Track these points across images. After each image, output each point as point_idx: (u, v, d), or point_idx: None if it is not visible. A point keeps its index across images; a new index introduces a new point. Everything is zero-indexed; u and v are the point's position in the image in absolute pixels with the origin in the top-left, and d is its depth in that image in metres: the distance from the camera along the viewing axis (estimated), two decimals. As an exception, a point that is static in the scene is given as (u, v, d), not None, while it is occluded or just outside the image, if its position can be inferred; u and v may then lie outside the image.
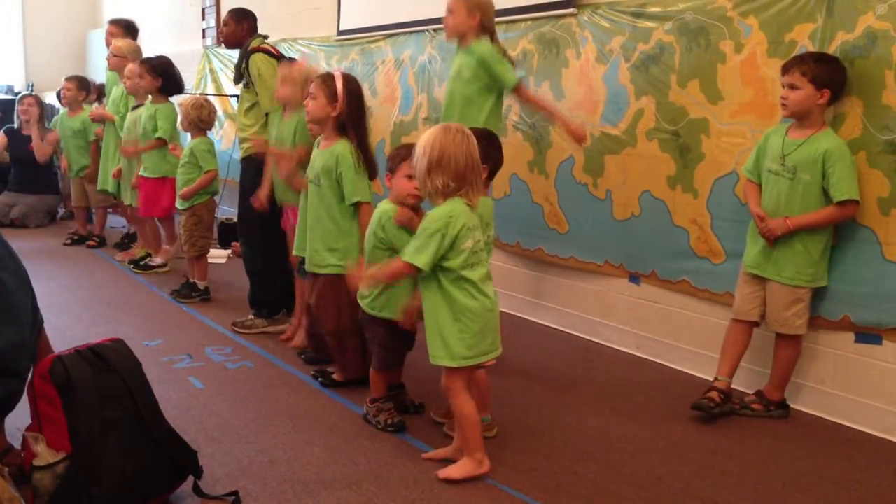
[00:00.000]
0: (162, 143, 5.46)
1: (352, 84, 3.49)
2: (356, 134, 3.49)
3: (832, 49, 3.23)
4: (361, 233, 3.48)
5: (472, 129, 2.82)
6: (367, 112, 3.64)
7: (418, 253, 2.66)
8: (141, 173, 5.57)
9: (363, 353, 3.49)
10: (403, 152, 3.10)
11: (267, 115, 4.41)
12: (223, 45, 4.76)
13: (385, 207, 3.11)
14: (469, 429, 2.78)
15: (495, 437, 3.09)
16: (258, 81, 4.40)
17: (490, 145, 3.18)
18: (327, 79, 3.47)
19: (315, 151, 3.60)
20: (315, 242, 3.59)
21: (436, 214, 2.68)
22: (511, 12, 4.67)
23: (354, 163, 3.45)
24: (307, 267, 3.66)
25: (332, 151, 3.47)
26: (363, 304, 3.19)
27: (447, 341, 2.71)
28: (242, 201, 4.60)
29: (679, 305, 3.97)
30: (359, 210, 3.51)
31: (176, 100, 5.55)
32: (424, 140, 2.70)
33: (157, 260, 5.54)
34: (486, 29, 3.80)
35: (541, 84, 4.55)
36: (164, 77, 5.40)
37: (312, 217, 3.59)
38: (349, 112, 3.45)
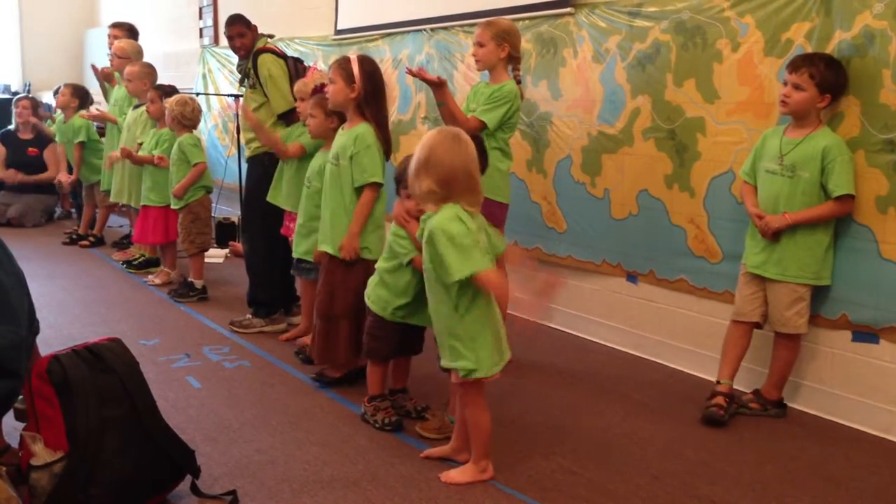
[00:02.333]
0: (156, 161, 5.38)
1: (367, 64, 3.47)
2: (373, 113, 3.47)
3: (829, 48, 3.23)
4: (357, 216, 3.47)
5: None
6: (386, 91, 3.60)
7: (469, 261, 2.53)
8: (143, 202, 5.50)
9: (355, 344, 3.48)
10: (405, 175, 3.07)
11: (279, 116, 4.39)
12: (241, 56, 4.70)
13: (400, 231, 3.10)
14: (480, 437, 2.77)
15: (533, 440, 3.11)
16: (269, 83, 4.36)
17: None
18: (343, 62, 3.46)
19: (338, 133, 3.60)
20: (325, 222, 3.58)
21: (444, 221, 2.58)
22: (509, 11, 4.66)
23: (373, 145, 3.43)
24: (318, 247, 3.66)
25: (352, 132, 3.47)
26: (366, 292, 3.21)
27: (459, 352, 2.68)
28: (247, 200, 4.61)
29: (676, 304, 3.97)
30: (366, 192, 3.46)
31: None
32: (421, 140, 2.67)
33: (156, 280, 5.51)
34: (514, 59, 3.77)
35: (538, 83, 4.55)
36: None
37: (326, 196, 3.58)
38: (366, 92, 3.44)
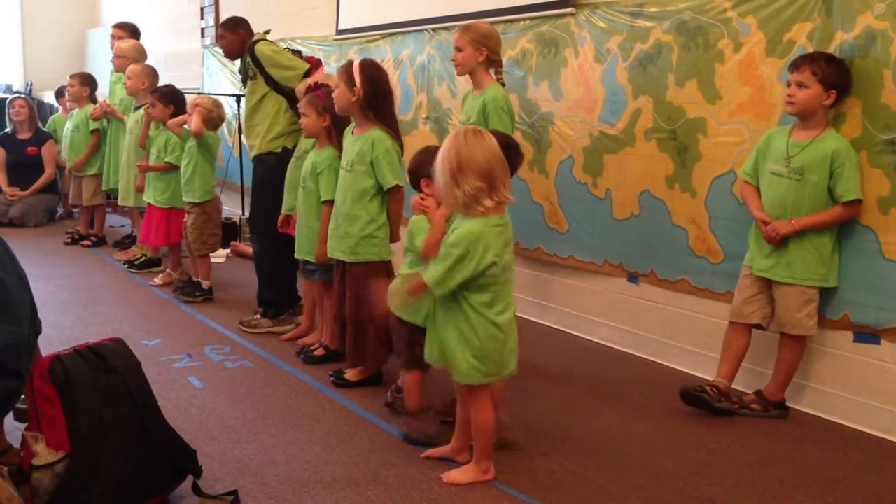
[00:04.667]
0: (170, 167, 5.35)
1: (369, 69, 3.48)
2: (378, 116, 3.48)
3: (831, 49, 3.23)
4: (394, 218, 3.51)
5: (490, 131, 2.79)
6: (391, 95, 3.60)
7: (445, 280, 2.55)
8: (146, 199, 5.50)
9: (383, 346, 3.51)
10: (422, 167, 2.96)
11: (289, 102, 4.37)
12: (226, 57, 4.71)
13: (420, 224, 2.97)
14: (482, 438, 2.77)
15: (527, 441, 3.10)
16: (278, 56, 4.33)
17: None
18: (346, 66, 3.49)
19: (349, 138, 3.60)
20: (337, 228, 3.58)
21: (465, 233, 2.56)
22: (510, 11, 4.67)
23: (391, 148, 3.44)
24: (329, 253, 3.66)
25: (368, 137, 3.47)
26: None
27: (454, 357, 2.67)
28: (253, 201, 4.60)
29: (677, 305, 3.97)
30: (392, 195, 3.49)
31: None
32: (440, 153, 2.61)
33: (157, 281, 5.52)
34: (493, 62, 3.76)
35: (539, 84, 4.55)
36: (176, 104, 5.36)
37: (339, 201, 3.58)
38: (367, 96, 3.45)
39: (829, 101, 3.15)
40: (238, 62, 4.71)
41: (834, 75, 3.13)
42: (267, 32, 4.61)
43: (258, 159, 4.51)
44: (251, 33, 4.64)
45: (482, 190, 2.55)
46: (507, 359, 2.73)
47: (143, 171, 5.62)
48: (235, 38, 4.61)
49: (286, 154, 4.37)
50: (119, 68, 6.30)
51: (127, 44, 6.25)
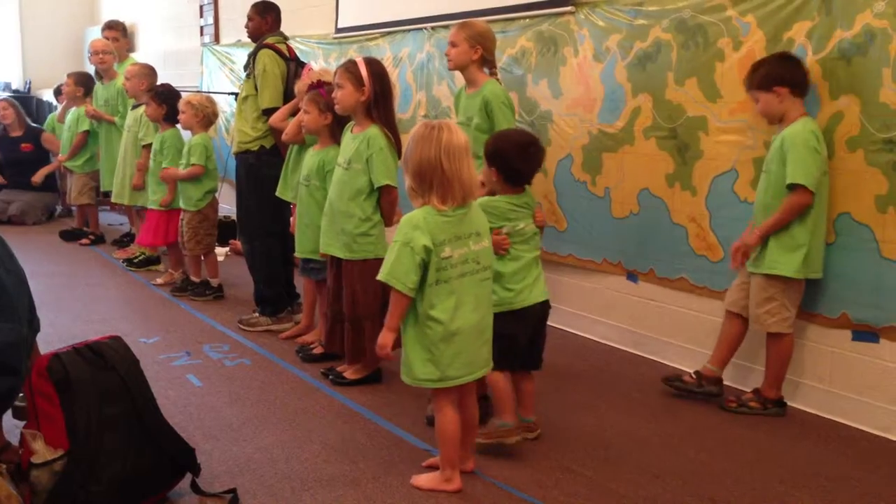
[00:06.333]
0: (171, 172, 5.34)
1: (375, 66, 3.48)
2: (382, 115, 3.48)
3: (830, 47, 3.23)
4: (386, 216, 3.51)
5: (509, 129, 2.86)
6: (393, 92, 3.60)
7: (393, 270, 2.51)
8: (149, 205, 5.49)
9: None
10: None
11: (264, 111, 4.36)
12: (249, 37, 4.69)
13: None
14: (443, 445, 2.71)
15: (535, 440, 3.09)
16: (262, 77, 4.34)
17: (504, 147, 2.94)
18: (350, 66, 3.46)
19: (347, 136, 3.59)
20: (333, 225, 3.58)
21: (403, 221, 2.56)
22: (509, 10, 4.67)
23: (385, 147, 3.45)
24: (323, 248, 3.66)
25: (365, 135, 3.47)
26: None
27: (409, 360, 2.63)
28: (238, 200, 4.58)
29: (676, 303, 3.97)
30: (384, 194, 3.49)
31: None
32: None
33: (159, 281, 5.51)
34: (487, 62, 3.74)
35: (538, 82, 4.55)
36: (169, 104, 5.32)
37: (334, 198, 3.58)
38: (375, 94, 3.44)
39: (781, 98, 3.21)
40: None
41: (769, 75, 3.21)
42: (286, 39, 4.57)
43: (239, 157, 4.52)
44: (278, 24, 4.63)
45: (413, 188, 2.58)
46: (468, 361, 2.63)
47: (140, 184, 5.62)
48: (262, 23, 4.60)
49: (264, 153, 4.39)
50: (104, 64, 6.32)
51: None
